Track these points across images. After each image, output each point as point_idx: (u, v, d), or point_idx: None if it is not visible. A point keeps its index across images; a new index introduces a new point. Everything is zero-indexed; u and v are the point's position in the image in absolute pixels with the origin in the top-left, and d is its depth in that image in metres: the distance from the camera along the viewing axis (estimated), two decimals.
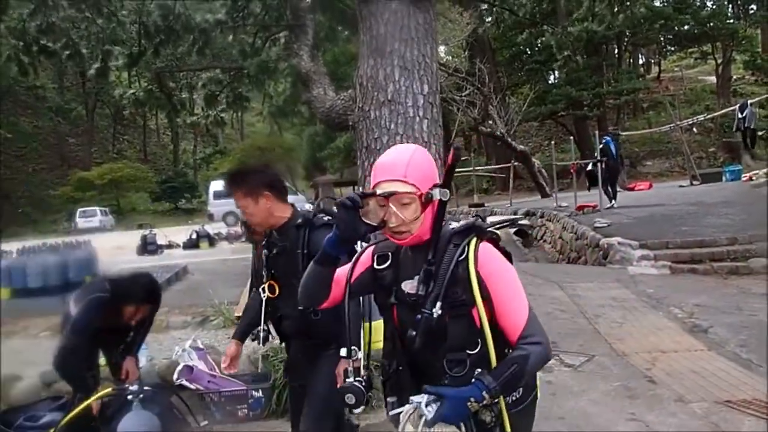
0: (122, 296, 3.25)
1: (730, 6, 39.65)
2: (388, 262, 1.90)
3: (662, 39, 41.48)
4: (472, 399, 1.62)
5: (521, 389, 1.83)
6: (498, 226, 1.86)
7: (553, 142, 22.44)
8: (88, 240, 10.28)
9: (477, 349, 1.74)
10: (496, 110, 24.35)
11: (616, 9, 15.55)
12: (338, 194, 39.38)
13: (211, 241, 19.12)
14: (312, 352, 2.77)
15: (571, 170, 17.00)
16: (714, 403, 4.26)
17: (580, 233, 11.51)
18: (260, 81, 13.01)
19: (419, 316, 1.71)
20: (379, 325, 2.10)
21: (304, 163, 41.47)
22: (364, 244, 2.04)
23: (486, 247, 1.79)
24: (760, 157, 25.13)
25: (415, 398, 1.64)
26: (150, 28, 10.87)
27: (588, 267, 10.41)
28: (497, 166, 29.15)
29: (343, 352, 1.89)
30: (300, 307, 2.69)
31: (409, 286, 1.81)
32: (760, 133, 22.06)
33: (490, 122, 24.33)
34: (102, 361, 3.69)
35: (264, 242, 2.90)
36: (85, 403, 2.89)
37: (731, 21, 37.34)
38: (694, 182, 19.94)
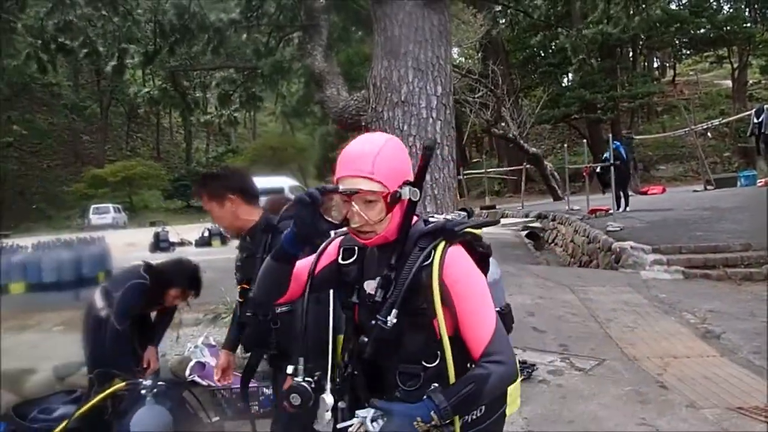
0: (167, 281, 3.44)
1: (747, 10, 39.30)
2: (354, 257, 1.76)
3: (678, 42, 41.20)
4: (419, 419, 1.49)
5: (483, 407, 1.69)
6: (472, 226, 1.69)
7: (565, 145, 22.36)
8: (101, 236, 10.37)
9: (435, 363, 1.61)
10: (508, 112, 24.34)
11: (631, 12, 15.45)
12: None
13: (223, 239, 19.15)
14: (272, 363, 2.71)
15: (584, 173, 16.92)
16: (726, 410, 4.23)
17: (592, 237, 11.46)
18: (274, 81, 13.06)
19: (373, 322, 1.60)
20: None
21: (316, 163, 41.63)
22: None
23: (454, 252, 1.63)
24: None
25: (360, 413, 1.53)
26: (165, 26, 10.96)
27: (600, 271, 10.35)
28: (509, 169, 29.10)
29: (290, 369, 1.71)
30: (248, 313, 2.63)
31: (370, 286, 1.69)
32: None
33: (503, 124, 24.31)
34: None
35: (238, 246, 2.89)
36: (99, 397, 2.93)
37: (748, 25, 37.01)
38: (708, 187, 19.79)
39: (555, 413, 4.35)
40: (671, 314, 6.99)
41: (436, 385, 1.55)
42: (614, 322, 6.68)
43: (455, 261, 1.61)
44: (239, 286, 2.77)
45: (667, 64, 49.21)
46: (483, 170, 28.32)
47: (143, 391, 2.94)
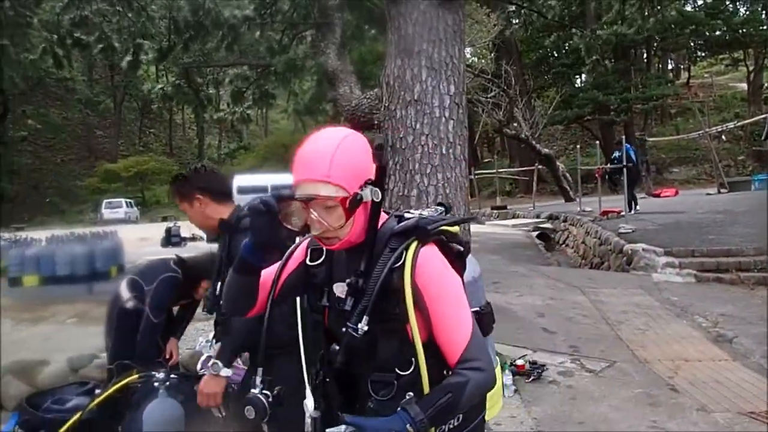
0: (199, 274, 3.45)
1: (764, 12, 38.92)
2: (322, 258, 1.67)
3: (693, 44, 40.85)
4: None
5: (461, 416, 1.59)
6: (446, 224, 1.60)
7: (578, 146, 22.28)
8: (114, 230, 10.45)
9: (409, 371, 1.52)
10: (521, 113, 24.28)
11: (647, 13, 15.38)
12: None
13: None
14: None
15: (596, 175, 16.87)
16: (737, 414, 4.21)
17: (603, 238, 11.42)
18: (287, 78, 13.11)
19: (344, 329, 1.51)
20: None
21: None
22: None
23: (428, 252, 1.53)
24: None
25: (330, 431, 1.42)
26: (180, 23, 11.03)
27: (611, 273, 10.31)
28: (521, 169, 29.04)
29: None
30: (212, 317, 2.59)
31: (339, 289, 1.59)
32: None
33: (515, 124, 24.26)
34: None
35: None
36: (113, 388, 2.96)
37: (764, 27, 36.63)
38: (722, 190, 19.68)
39: (565, 414, 4.34)
40: (683, 317, 6.96)
41: (411, 394, 1.48)
42: (625, 324, 6.66)
43: (428, 262, 1.52)
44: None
45: (682, 66, 48.84)
46: (494, 170, 28.27)
47: (156, 384, 2.97)
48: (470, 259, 1.77)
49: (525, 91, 28.77)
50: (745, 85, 39.20)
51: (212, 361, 2.48)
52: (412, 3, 6.08)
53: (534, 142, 24.43)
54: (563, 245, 14.70)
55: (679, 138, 30.17)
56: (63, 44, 11.41)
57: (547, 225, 16.20)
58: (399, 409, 1.42)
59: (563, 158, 32.57)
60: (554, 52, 37.58)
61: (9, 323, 6.40)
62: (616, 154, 14.86)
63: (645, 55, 40.77)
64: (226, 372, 2.46)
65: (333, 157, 1.47)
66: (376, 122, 6.91)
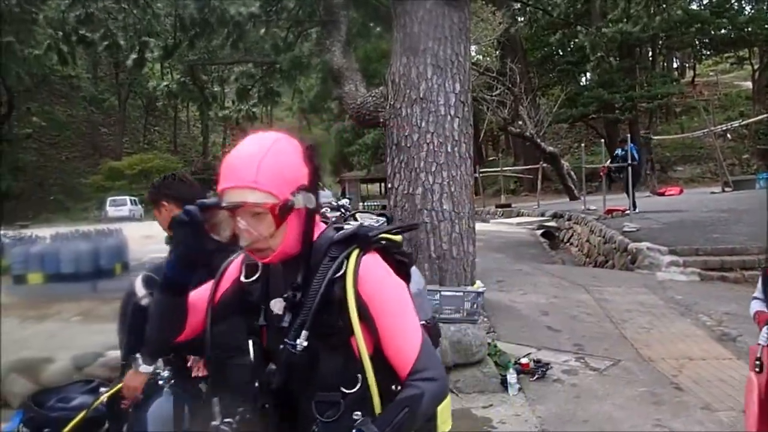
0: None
1: None
2: (258, 274, 1.53)
3: (698, 42, 40.69)
4: None
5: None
6: (389, 231, 1.52)
7: (583, 145, 22.23)
8: (119, 228, 10.47)
9: (356, 388, 1.40)
10: (526, 111, 24.23)
11: (652, 11, 15.31)
12: (365, 191, 39.43)
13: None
14: None
15: (601, 173, 16.82)
16: (741, 413, 4.17)
17: (608, 237, 11.40)
18: (292, 76, 13.12)
19: (282, 346, 1.39)
20: None
21: (332, 159, 41.74)
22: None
23: (370, 260, 1.43)
24: None
25: None
26: (185, 20, 11.04)
27: (615, 271, 10.30)
28: (525, 167, 28.99)
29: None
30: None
31: (277, 306, 1.46)
32: None
33: (520, 123, 24.22)
34: None
35: None
36: (118, 386, 2.96)
37: None
38: (726, 189, 19.60)
39: (569, 413, 4.35)
40: (687, 316, 6.95)
41: (359, 413, 1.38)
42: (629, 322, 6.66)
43: (371, 270, 1.42)
44: None
45: (687, 65, 48.70)
46: (499, 168, 28.25)
47: (161, 382, 2.97)
48: (414, 271, 1.70)
49: (530, 89, 28.74)
50: (750, 84, 39.05)
51: (134, 356, 2.54)
52: (418, 1, 6.08)
53: (539, 141, 24.38)
54: (568, 244, 14.68)
55: (684, 136, 30.06)
56: (68, 41, 11.43)
57: (552, 223, 16.17)
58: (354, 431, 1.32)
59: (568, 156, 32.53)
60: (559, 50, 37.48)
61: (14, 321, 6.42)
62: (618, 152, 14.88)
63: (650, 54, 40.63)
64: (145, 369, 2.53)
65: (261, 162, 1.36)
66: (381, 120, 6.90)
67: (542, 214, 17.95)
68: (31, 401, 3.71)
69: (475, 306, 5.31)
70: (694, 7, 36.31)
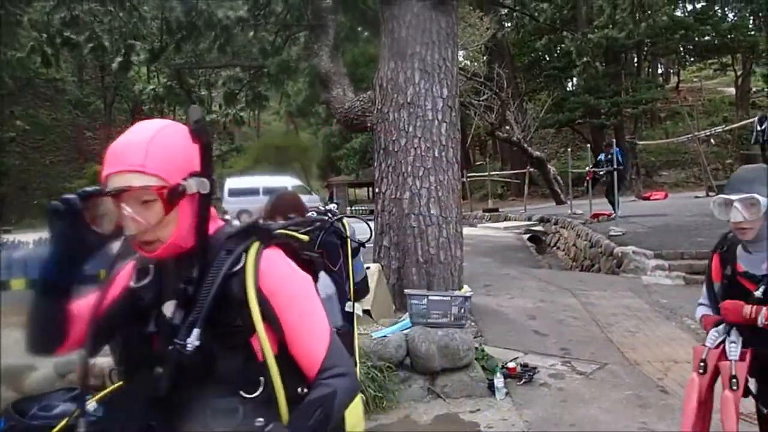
0: None
1: (752, 18, 39.26)
2: (150, 277, 1.37)
3: (682, 49, 41.14)
4: None
5: None
6: (292, 227, 1.43)
7: (569, 150, 22.37)
8: None
9: (259, 391, 1.26)
10: (513, 116, 24.33)
11: (638, 17, 15.46)
12: (353, 195, 39.40)
13: None
14: None
15: (587, 178, 16.93)
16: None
17: (594, 241, 11.47)
18: (280, 80, 13.10)
19: (170, 347, 1.23)
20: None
21: (319, 163, 41.69)
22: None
23: (271, 255, 1.34)
24: None
25: None
26: (172, 23, 11.00)
27: (601, 275, 10.36)
28: (512, 172, 29.10)
29: None
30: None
31: (169, 309, 1.31)
32: None
33: (507, 127, 24.33)
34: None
35: None
36: (106, 390, 2.93)
37: (752, 33, 36.97)
38: (711, 193, 19.73)
39: (556, 416, 4.36)
40: (672, 319, 7.00)
41: (261, 420, 1.25)
42: (615, 326, 6.69)
43: (274, 264, 1.33)
44: None
45: (671, 71, 49.16)
46: (486, 173, 28.33)
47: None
48: (323, 276, 1.63)
49: (517, 94, 28.84)
50: (733, 90, 39.52)
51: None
52: (405, 5, 6.09)
53: (526, 145, 24.50)
54: (554, 248, 14.74)
55: (669, 141, 30.36)
56: (52, 43, 11.33)
57: (539, 228, 16.24)
58: None
59: (554, 161, 32.68)
60: (546, 56, 37.71)
61: None
62: (601, 157, 15.08)
63: (635, 60, 41.01)
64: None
65: (148, 145, 1.26)
66: (368, 124, 6.91)
67: (529, 219, 18.03)
68: (12, 409, 3.66)
69: (462, 310, 5.31)
70: (678, 14, 36.73)
